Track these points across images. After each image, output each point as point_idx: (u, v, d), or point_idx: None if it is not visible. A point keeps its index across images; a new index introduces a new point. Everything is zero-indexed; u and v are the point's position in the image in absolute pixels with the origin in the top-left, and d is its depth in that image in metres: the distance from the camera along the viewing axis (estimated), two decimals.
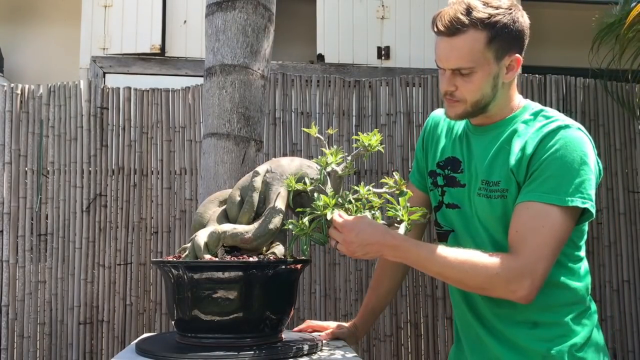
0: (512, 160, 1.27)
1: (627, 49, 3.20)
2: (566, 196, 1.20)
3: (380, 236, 1.20)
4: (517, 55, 1.27)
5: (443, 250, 1.21)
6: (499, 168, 1.29)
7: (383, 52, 4.60)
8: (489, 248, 1.29)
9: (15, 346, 2.97)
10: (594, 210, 1.23)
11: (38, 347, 3.01)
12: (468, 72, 1.24)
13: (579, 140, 1.24)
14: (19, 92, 3.09)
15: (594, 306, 1.35)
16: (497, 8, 1.24)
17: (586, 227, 1.34)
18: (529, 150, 1.25)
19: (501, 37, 1.24)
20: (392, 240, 1.20)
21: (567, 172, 1.21)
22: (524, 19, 1.28)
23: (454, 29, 1.22)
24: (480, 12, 1.22)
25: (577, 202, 1.20)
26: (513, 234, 1.23)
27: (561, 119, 1.28)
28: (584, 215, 1.25)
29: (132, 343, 1.35)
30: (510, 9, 1.25)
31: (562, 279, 1.29)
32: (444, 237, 1.42)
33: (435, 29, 1.25)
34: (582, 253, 1.35)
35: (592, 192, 1.23)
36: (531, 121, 1.30)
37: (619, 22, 3.25)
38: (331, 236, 1.22)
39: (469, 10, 1.22)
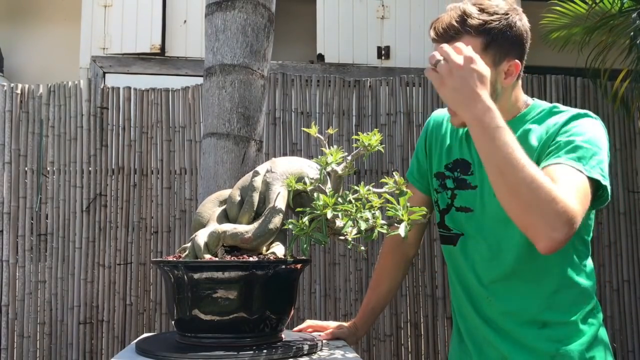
0: (532, 154, 1.24)
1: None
2: (589, 167, 1.16)
3: (482, 87, 1.09)
4: (516, 60, 1.25)
5: (523, 156, 1.08)
6: None
7: (383, 52, 4.60)
8: (503, 251, 1.29)
9: (15, 346, 2.98)
10: (609, 193, 1.20)
11: (38, 347, 3.01)
12: None
13: (600, 127, 1.25)
14: (19, 92, 3.09)
15: (598, 305, 1.35)
16: (492, 14, 1.22)
17: (592, 222, 1.33)
18: (550, 135, 1.23)
19: (497, 43, 1.22)
20: (487, 101, 1.09)
21: (590, 147, 1.18)
22: (522, 23, 1.25)
23: (448, 36, 1.21)
24: (475, 19, 1.21)
25: (598, 177, 1.16)
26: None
27: (578, 110, 1.28)
28: (597, 201, 1.21)
29: (132, 343, 1.35)
30: (507, 14, 1.23)
31: (571, 276, 1.29)
32: (450, 240, 1.40)
33: (431, 36, 1.24)
34: (588, 250, 1.35)
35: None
36: (543, 118, 1.29)
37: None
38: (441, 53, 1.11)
39: (463, 18, 1.21)
